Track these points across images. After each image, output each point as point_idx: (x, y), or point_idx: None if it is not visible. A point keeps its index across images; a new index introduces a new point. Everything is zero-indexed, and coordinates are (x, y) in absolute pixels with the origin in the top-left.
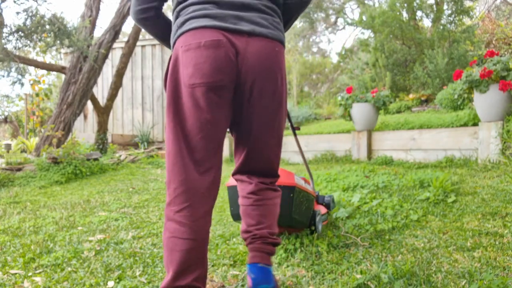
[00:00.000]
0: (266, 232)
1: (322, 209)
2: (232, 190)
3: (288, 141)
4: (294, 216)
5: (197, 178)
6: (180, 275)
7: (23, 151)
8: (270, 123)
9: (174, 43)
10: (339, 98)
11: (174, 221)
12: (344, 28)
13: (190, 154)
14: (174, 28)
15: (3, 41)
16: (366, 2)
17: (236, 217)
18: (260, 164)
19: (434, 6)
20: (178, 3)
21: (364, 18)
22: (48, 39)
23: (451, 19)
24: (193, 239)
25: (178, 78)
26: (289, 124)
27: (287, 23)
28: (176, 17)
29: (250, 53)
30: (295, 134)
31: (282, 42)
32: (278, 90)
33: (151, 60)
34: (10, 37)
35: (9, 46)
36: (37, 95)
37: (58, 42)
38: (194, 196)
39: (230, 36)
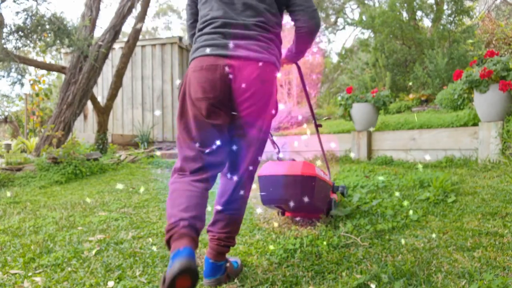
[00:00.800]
0: (224, 236)
1: (336, 197)
2: (262, 179)
3: (287, 141)
4: (314, 202)
5: (195, 157)
6: (182, 212)
7: (23, 151)
8: (256, 128)
9: (189, 64)
10: (339, 98)
11: (177, 182)
12: (344, 28)
13: (191, 142)
14: (190, 52)
15: (3, 41)
16: (366, 2)
17: (265, 202)
18: (240, 161)
19: (434, 6)
20: (198, 30)
21: (364, 18)
22: (48, 39)
23: (451, 19)
24: (193, 191)
25: (187, 92)
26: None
27: (302, 47)
28: (194, 43)
29: (246, 73)
30: (317, 131)
31: (274, 65)
32: (266, 103)
33: (151, 60)
34: (10, 37)
35: (9, 46)
36: (37, 95)
37: (58, 41)
38: (193, 167)
39: (229, 61)
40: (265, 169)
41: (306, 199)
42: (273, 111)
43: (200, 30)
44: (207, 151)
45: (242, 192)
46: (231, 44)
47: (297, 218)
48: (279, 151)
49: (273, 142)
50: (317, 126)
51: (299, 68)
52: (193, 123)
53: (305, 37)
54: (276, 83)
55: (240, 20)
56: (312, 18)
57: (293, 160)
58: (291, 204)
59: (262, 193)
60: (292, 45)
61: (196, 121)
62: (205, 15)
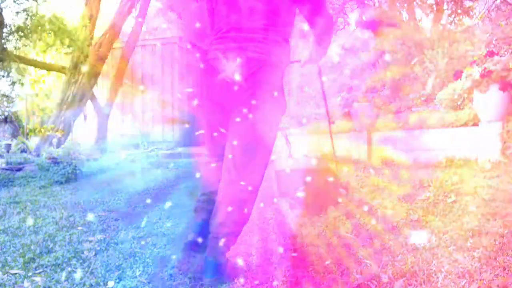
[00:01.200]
0: (224, 234)
1: (343, 193)
2: (278, 173)
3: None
4: (327, 193)
5: (213, 149)
6: (204, 188)
7: (23, 151)
8: (257, 127)
9: None
10: (339, 98)
11: (206, 164)
12: (344, 28)
13: (209, 135)
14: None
15: (3, 41)
16: (366, 2)
17: (280, 195)
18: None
19: (434, 6)
20: (212, 36)
21: (364, 18)
22: (48, 39)
23: (451, 19)
24: (213, 170)
25: (201, 92)
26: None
27: (322, 47)
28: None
29: (245, 73)
30: (329, 127)
31: (275, 65)
32: (265, 101)
33: (151, 60)
34: (10, 37)
35: (9, 46)
36: (37, 95)
37: (58, 41)
38: (213, 155)
39: (230, 61)
40: (280, 164)
41: (319, 192)
42: (276, 110)
43: (214, 35)
44: (220, 144)
45: (240, 189)
46: (233, 46)
47: (298, 218)
48: (290, 148)
49: (287, 140)
50: (330, 123)
51: (319, 69)
52: (207, 119)
53: (322, 37)
54: (278, 82)
55: (245, 25)
56: (327, 20)
57: (306, 156)
58: (305, 196)
59: (278, 187)
60: (312, 46)
61: (208, 118)
62: (217, 22)
